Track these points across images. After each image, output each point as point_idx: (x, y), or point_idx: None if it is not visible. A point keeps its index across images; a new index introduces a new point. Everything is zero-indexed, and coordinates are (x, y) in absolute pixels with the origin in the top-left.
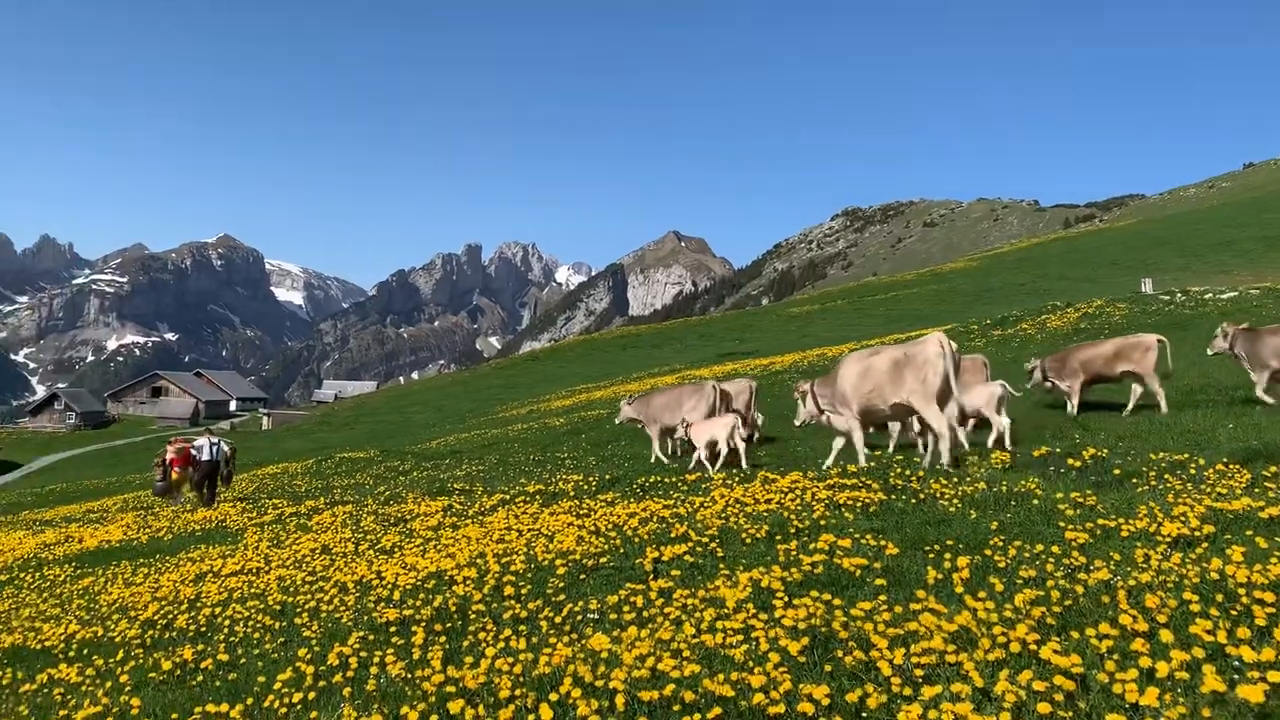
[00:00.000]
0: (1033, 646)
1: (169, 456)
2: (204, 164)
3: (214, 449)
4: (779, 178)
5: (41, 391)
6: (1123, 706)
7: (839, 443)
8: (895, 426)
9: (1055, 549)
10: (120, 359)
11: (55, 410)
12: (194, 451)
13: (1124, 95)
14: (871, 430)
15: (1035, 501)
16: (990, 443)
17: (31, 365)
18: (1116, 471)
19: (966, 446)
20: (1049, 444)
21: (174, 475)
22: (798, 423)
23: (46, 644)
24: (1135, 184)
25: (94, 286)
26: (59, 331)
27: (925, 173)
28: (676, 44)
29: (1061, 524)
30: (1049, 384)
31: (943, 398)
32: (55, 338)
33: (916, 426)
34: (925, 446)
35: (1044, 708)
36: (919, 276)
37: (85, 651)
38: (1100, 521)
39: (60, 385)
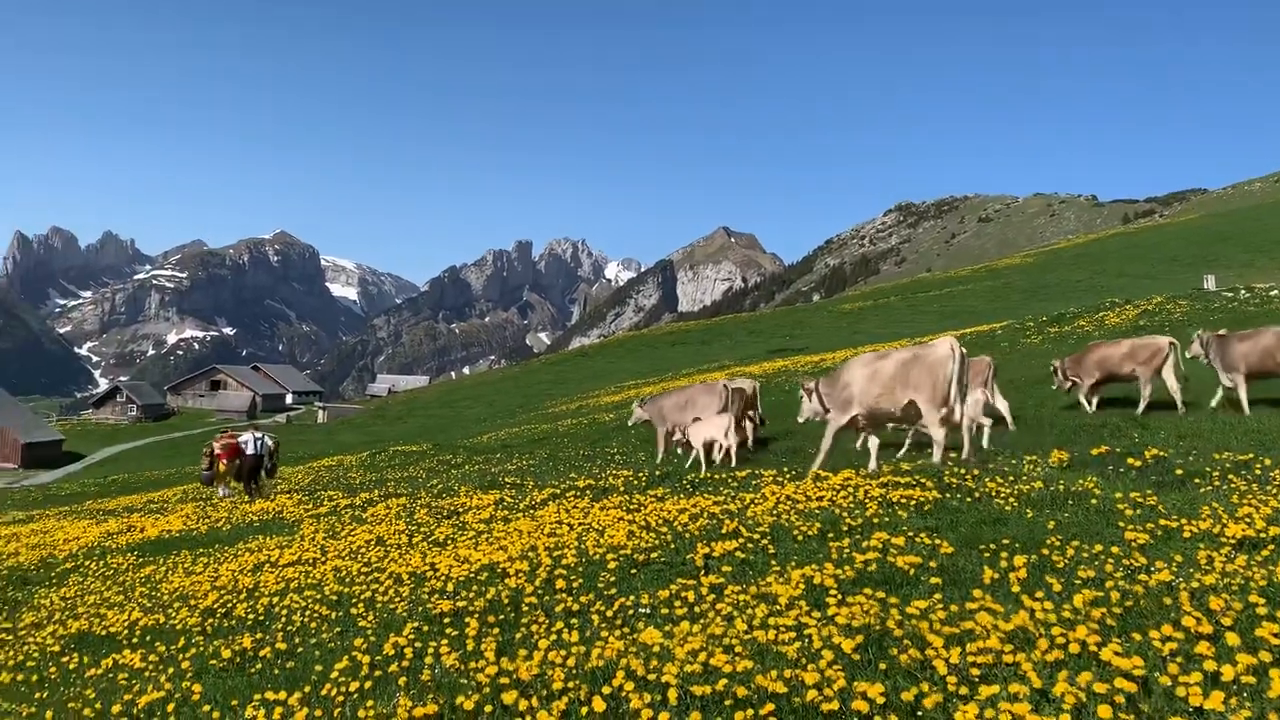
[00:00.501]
0: (1093, 648)
1: (216, 450)
2: (260, 161)
3: (258, 443)
4: (830, 173)
5: (104, 384)
6: (1186, 710)
7: (874, 443)
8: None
9: (1115, 549)
10: (180, 353)
11: (117, 403)
12: (240, 445)
13: (1185, 90)
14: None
15: (1094, 501)
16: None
17: (95, 359)
18: (1178, 471)
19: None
20: (1108, 443)
21: (221, 467)
22: (801, 419)
23: (111, 630)
24: (1197, 178)
25: (155, 282)
26: (121, 326)
27: (980, 168)
28: (727, 40)
29: (1121, 524)
30: (1070, 383)
31: (948, 399)
32: (117, 332)
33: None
34: (906, 445)
35: (1104, 710)
36: (974, 273)
37: (148, 638)
38: (1161, 522)
39: (122, 378)
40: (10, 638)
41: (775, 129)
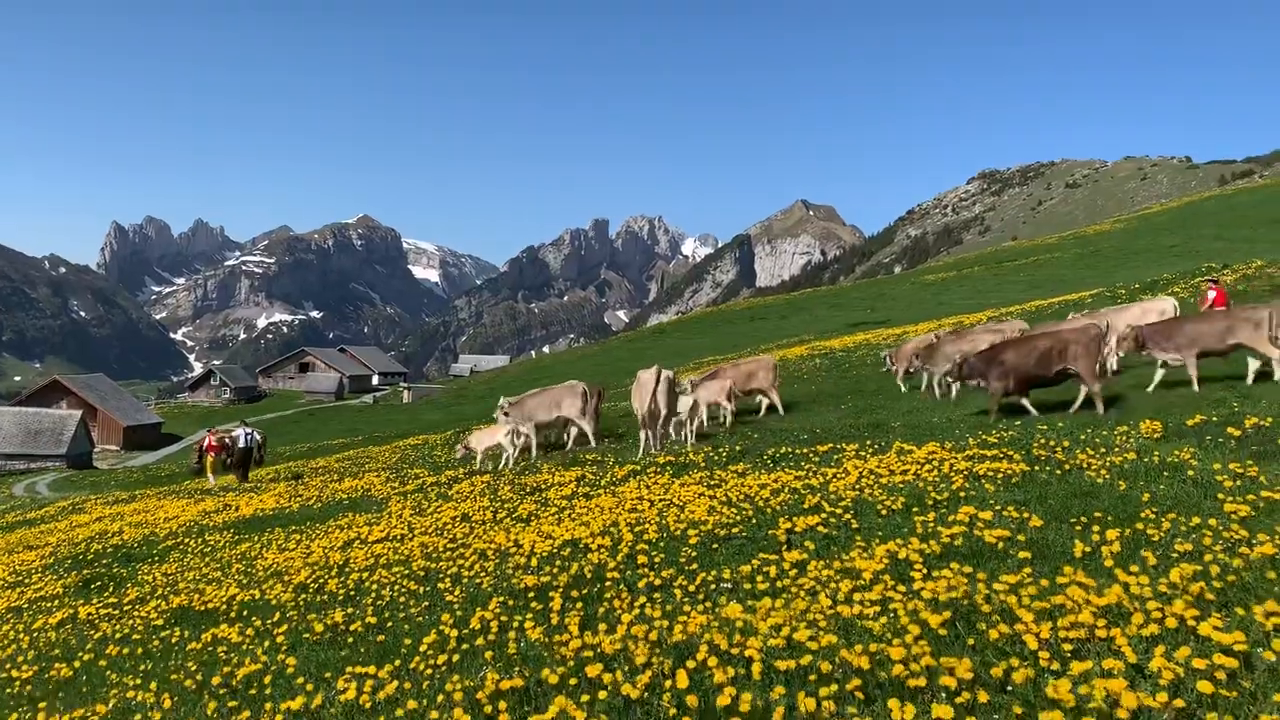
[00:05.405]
0: (1191, 623)
1: (209, 442)
2: (342, 147)
3: (249, 437)
4: (911, 141)
5: (198, 368)
6: None
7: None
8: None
9: (1213, 522)
10: (270, 337)
11: (211, 386)
12: (229, 440)
13: None
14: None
15: (1190, 473)
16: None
17: (189, 343)
18: None
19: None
20: (1205, 412)
21: (209, 459)
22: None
23: (209, 605)
24: None
25: (244, 267)
26: (213, 311)
27: (1067, 133)
28: (800, 7)
29: (1220, 496)
30: (911, 368)
31: (655, 407)
32: (210, 317)
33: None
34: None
35: (1205, 686)
36: (1061, 240)
37: (245, 613)
38: (1264, 494)
39: (215, 362)
40: (116, 612)
41: (852, 96)
